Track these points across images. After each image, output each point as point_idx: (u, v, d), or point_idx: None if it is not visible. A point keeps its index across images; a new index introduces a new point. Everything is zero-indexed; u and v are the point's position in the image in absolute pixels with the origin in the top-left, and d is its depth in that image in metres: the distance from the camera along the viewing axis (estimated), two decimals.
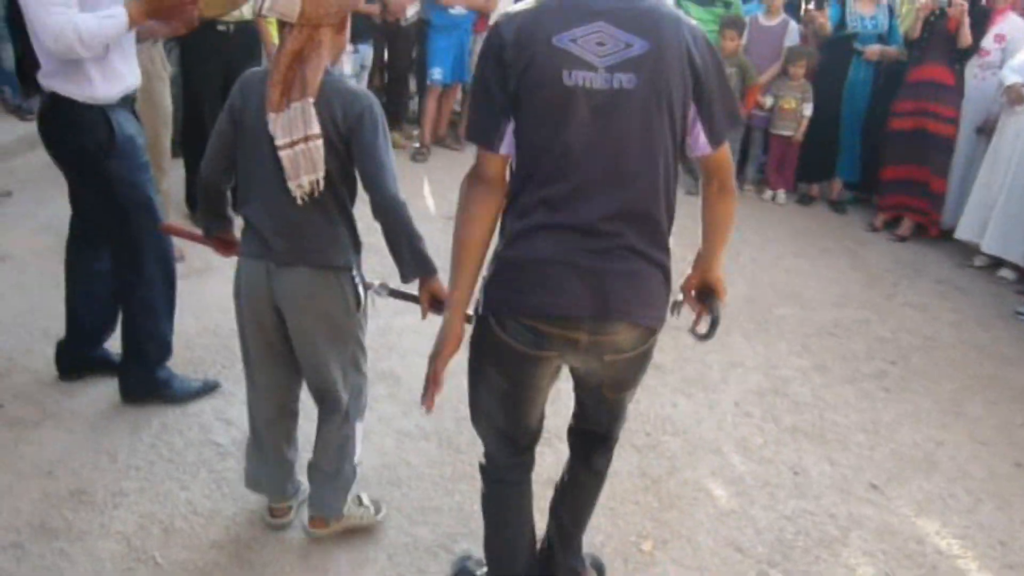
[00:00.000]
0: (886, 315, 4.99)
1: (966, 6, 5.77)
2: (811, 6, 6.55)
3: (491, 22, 7.15)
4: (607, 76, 1.86)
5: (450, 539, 2.77)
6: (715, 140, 2.00)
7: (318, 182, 2.22)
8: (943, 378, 4.29)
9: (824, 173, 6.84)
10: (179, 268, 4.24)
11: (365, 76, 6.55)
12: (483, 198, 2.00)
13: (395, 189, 2.22)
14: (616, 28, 1.87)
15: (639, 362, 2.12)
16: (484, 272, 2.04)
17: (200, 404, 3.34)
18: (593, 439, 2.36)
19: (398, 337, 3.96)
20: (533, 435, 2.30)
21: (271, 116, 2.18)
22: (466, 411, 3.38)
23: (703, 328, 2.25)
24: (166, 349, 3.30)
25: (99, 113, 2.92)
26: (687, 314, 2.30)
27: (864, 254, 5.95)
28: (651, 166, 1.92)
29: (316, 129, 2.17)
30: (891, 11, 6.50)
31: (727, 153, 2.07)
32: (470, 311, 2.11)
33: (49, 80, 2.88)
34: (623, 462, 3.18)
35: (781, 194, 6.82)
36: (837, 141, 6.61)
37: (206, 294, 4.08)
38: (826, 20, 6.44)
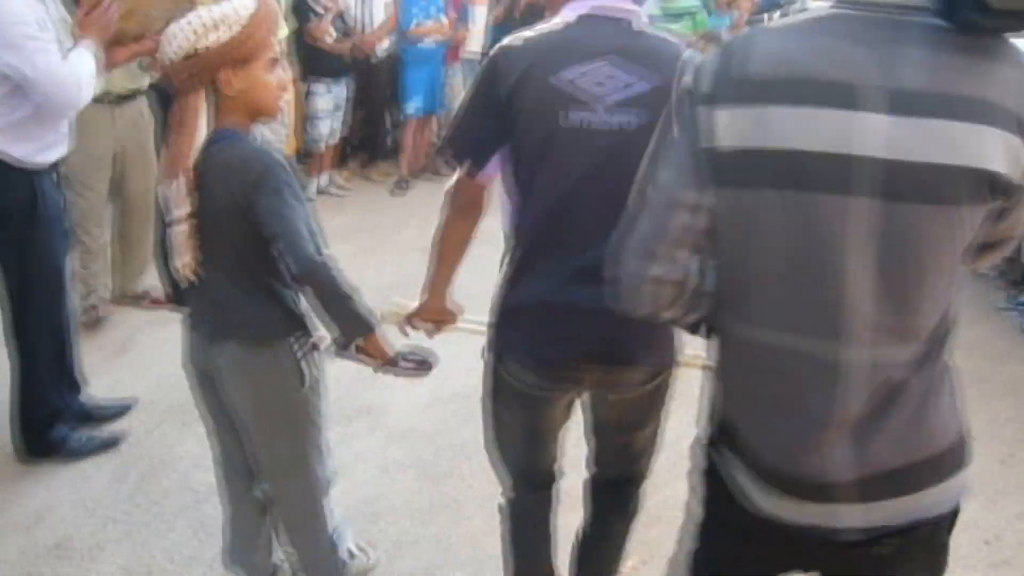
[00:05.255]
0: None
1: None
2: (777, 16, 6.57)
3: (462, 48, 7.02)
4: (608, 116, 1.83)
5: (430, 571, 2.77)
6: None
7: (188, 267, 2.05)
8: None
9: None
10: (158, 316, 4.30)
11: (341, 114, 6.61)
12: (456, 225, 2.08)
13: (310, 250, 1.94)
14: (616, 68, 1.84)
15: (649, 401, 2.07)
16: (490, 316, 2.05)
17: (178, 451, 3.35)
18: (608, 489, 2.29)
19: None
20: (548, 474, 2.28)
21: (160, 188, 2.06)
22: (444, 441, 3.43)
23: None
24: (56, 409, 3.28)
25: (25, 176, 2.92)
26: None
27: None
28: None
29: (181, 212, 2.00)
30: None
31: None
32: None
33: None
34: None
35: None
36: None
37: None
38: None
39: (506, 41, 1.94)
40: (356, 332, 2.07)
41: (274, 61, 2.08)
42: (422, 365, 2.20)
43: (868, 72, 1.19)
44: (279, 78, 2.10)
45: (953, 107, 1.17)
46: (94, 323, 4.26)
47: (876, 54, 1.20)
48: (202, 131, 2.02)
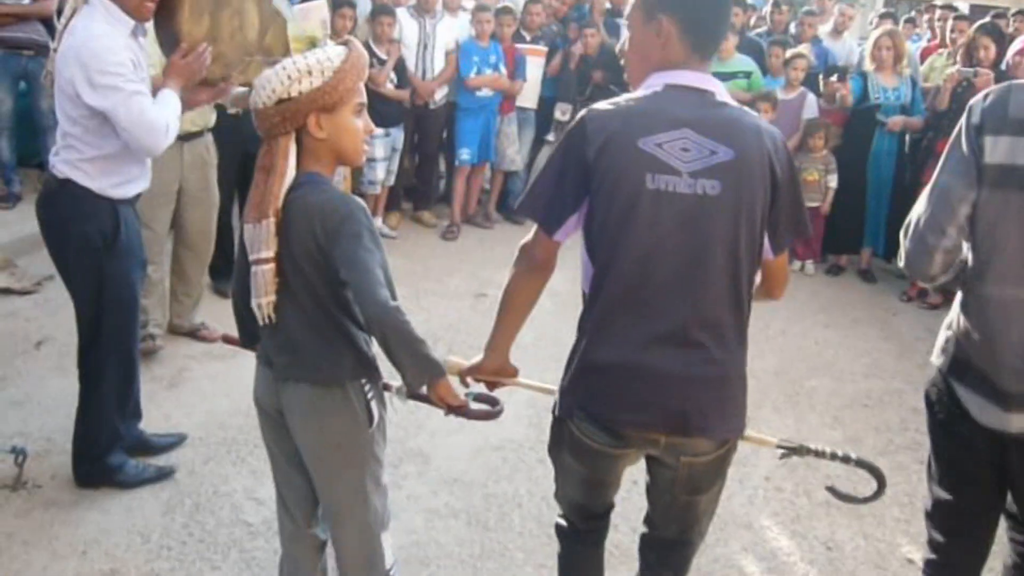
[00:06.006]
0: (919, 385, 4.84)
1: (992, 76, 5.81)
2: (833, 79, 6.62)
3: (510, 102, 7.08)
4: (691, 181, 1.89)
5: None
6: (776, 246, 2.05)
7: (270, 306, 2.09)
8: None
9: (852, 244, 6.85)
10: (212, 348, 4.37)
11: (396, 158, 6.72)
12: (527, 282, 2.14)
13: (382, 295, 1.96)
14: (701, 136, 1.91)
15: (716, 466, 2.10)
16: (565, 373, 2.09)
17: (232, 484, 3.39)
18: (662, 549, 2.30)
19: (427, 415, 3.97)
20: (608, 506, 2.33)
21: (245, 227, 2.12)
22: (495, 488, 3.43)
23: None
24: (116, 437, 3.33)
25: (110, 206, 3.02)
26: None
27: (896, 323, 5.92)
28: (731, 272, 1.94)
29: (267, 253, 2.06)
30: (914, 82, 6.61)
31: (784, 263, 2.13)
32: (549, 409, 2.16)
33: (71, 169, 2.95)
34: None
35: (809, 265, 6.82)
36: (863, 212, 6.63)
37: (241, 375, 4.14)
38: (848, 92, 6.52)
39: (596, 104, 2.01)
40: (426, 376, 2.08)
41: (361, 107, 2.15)
42: (493, 407, 2.23)
43: None
44: (365, 123, 2.17)
45: None
46: (150, 353, 4.33)
47: None
48: (290, 174, 2.09)
